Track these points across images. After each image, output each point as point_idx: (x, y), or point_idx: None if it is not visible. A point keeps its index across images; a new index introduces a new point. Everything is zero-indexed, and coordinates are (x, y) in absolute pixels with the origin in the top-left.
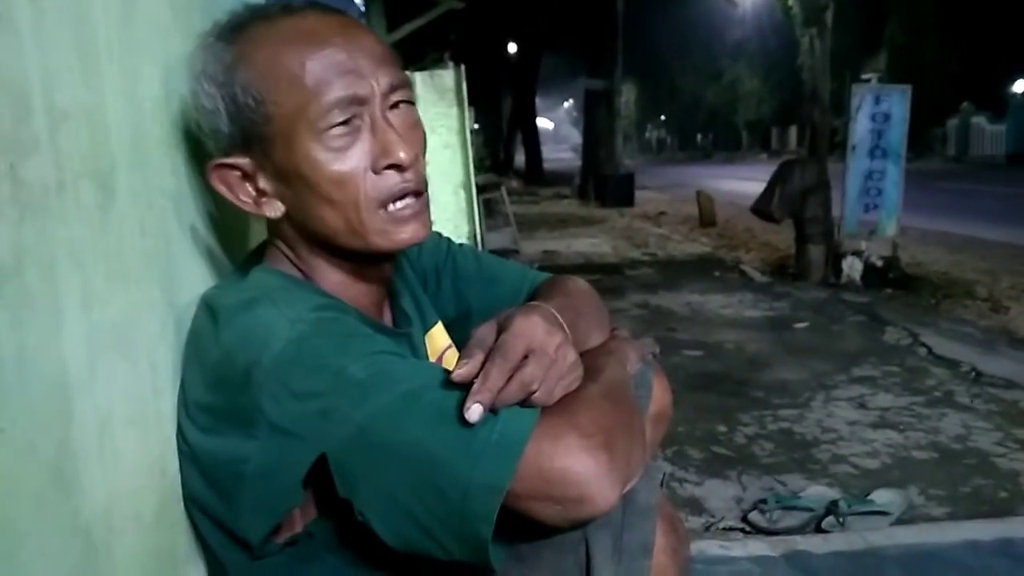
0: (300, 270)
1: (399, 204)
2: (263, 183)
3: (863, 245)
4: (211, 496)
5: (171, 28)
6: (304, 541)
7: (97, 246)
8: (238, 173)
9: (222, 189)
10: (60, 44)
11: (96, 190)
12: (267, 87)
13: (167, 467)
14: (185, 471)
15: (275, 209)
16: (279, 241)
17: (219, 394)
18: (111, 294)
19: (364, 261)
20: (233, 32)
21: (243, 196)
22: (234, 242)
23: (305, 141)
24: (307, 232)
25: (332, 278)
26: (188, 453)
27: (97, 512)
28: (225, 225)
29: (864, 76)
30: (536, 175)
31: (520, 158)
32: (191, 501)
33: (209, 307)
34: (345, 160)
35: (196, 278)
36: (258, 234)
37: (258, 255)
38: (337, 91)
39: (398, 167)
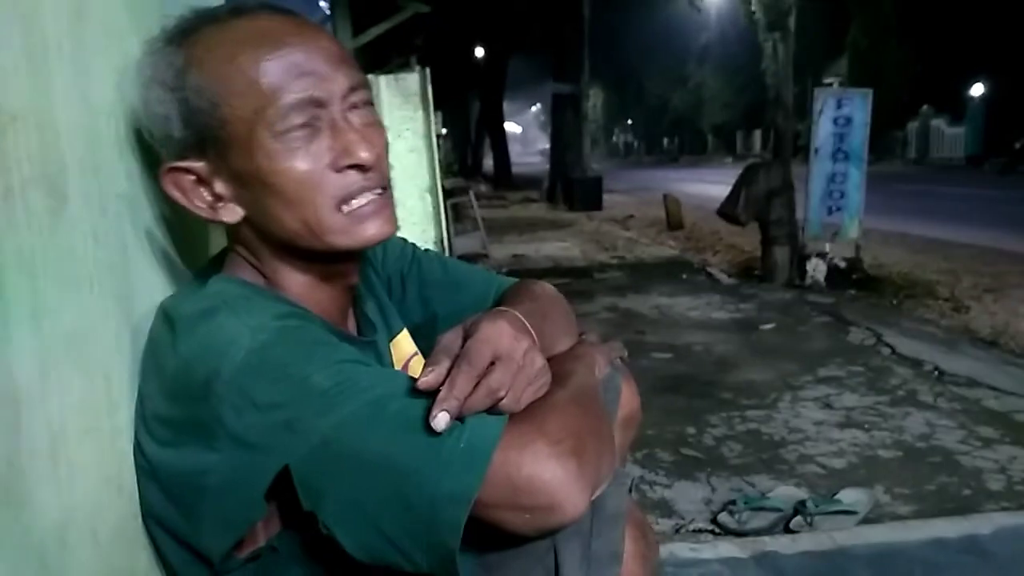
0: (263, 276)
1: (361, 200)
2: (220, 187)
3: (827, 247)
4: (171, 511)
5: (126, 29)
6: (267, 555)
7: (48, 254)
8: (192, 177)
9: (176, 194)
10: (6, 43)
11: (46, 195)
12: (222, 90)
13: (124, 482)
14: (143, 486)
15: (233, 214)
16: (240, 247)
17: (178, 406)
18: (63, 304)
19: (328, 262)
20: (183, 36)
21: (198, 201)
22: (194, 249)
23: (264, 143)
24: (268, 236)
25: (295, 285)
26: (146, 467)
27: (50, 530)
28: (184, 231)
29: (826, 80)
30: (504, 179)
31: (488, 162)
32: (150, 517)
33: (167, 316)
34: (304, 160)
35: (153, 287)
36: (218, 241)
37: (218, 262)
38: (295, 93)
39: (360, 167)
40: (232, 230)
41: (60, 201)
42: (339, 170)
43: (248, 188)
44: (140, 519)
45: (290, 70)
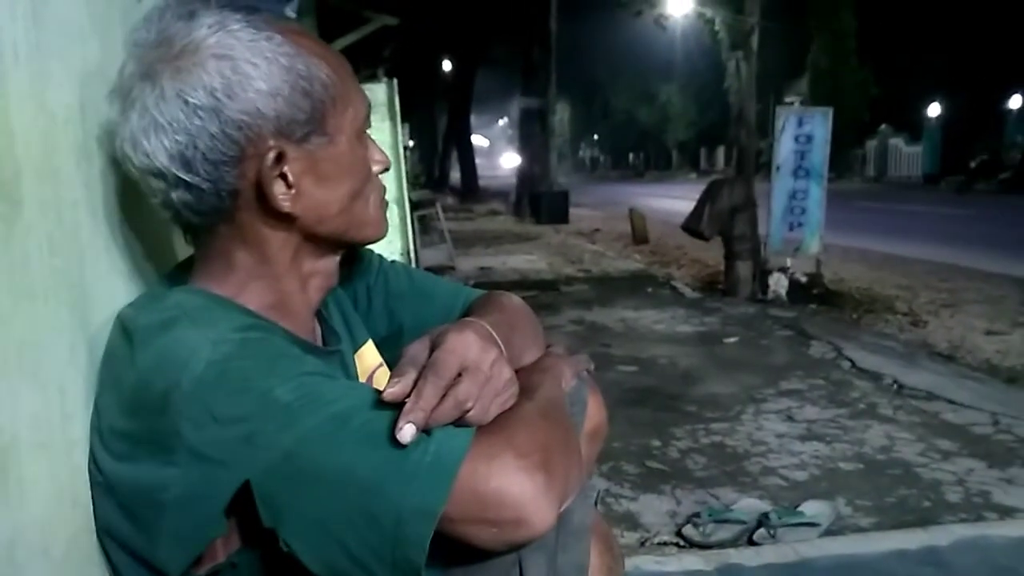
0: (232, 285)
1: (382, 200)
2: (293, 175)
3: (788, 262)
4: (127, 527)
5: (88, 33)
6: (227, 572)
7: (0, 262)
8: (271, 162)
9: (266, 172)
10: None
11: (0, 202)
12: (327, 80)
13: (78, 497)
14: (99, 501)
15: (296, 204)
16: (217, 254)
17: (136, 419)
18: (15, 313)
19: (340, 256)
20: (267, 24)
21: (277, 187)
22: (156, 259)
23: (350, 137)
24: (308, 234)
25: (265, 295)
26: (102, 482)
27: None
28: (145, 241)
29: (787, 99)
30: (471, 192)
31: (455, 175)
32: (105, 533)
33: (124, 328)
34: (367, 160)
35: (111, 297)
36: (182, 250)
37: (182, 272)
38: (365, 104)
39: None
40: (213, 234)
41: (14, 208)
42: (377, 173)
43: (319, 177)
44: (95, 535)
45: (355, 81)
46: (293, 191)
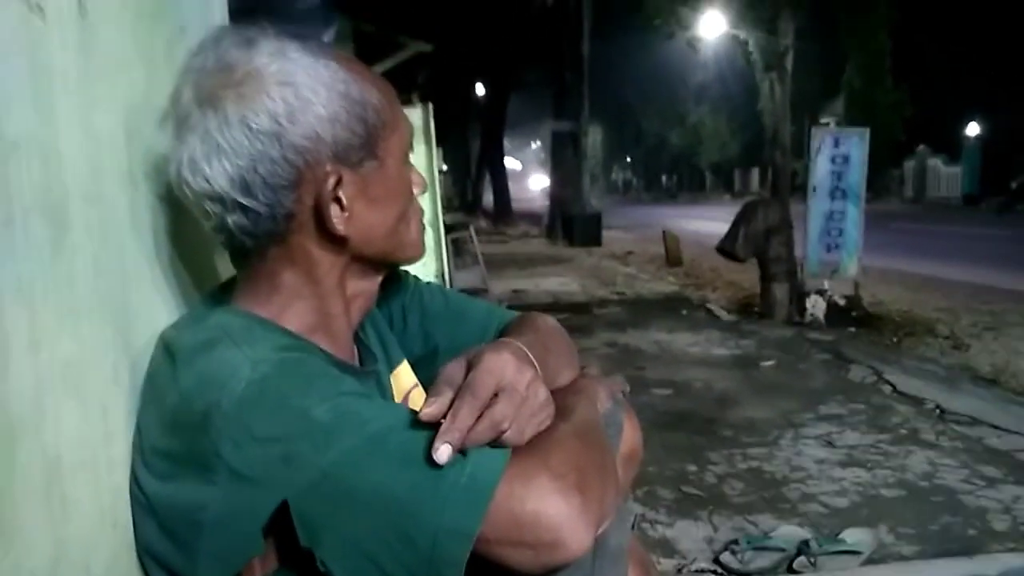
0: (275, 306)
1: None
2: (347, 199)
3: (826, 284)
4: (167, 546)
5: (134, 61)
6: None
7: (47, 282)
8: (331, 186)
9: (326, 195)
10: (11, 70)
11: (47, 224)
12: (378, 105)
13: (119, 516)
14: (139, 520)
15: (348, 227)
16: (262, 276)
17: (176, 438)
18: (61, 333)
19: (381, 276)
20: (321, 51)
21: (334, 208)
22: (199, 280)
23: (399, 161)
24: (357, 255)
25: (308, 316)
26: (143, 501)
27: (42, 564)
28: (187, 262)
29: (823, 120)
30: (504, 215)
31: (488, 198)
32: (145, 551)
33: (167, 348)
34: (410, 183)
35: (154, 317)
36: (224, 272)
37: (223, 292)
38: (409, 131)
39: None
40: (261, 257)
41: (61, 230)
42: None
43: (370, 200)
44: (135, 554)
45: (399, 105)
46: (346, 214)
